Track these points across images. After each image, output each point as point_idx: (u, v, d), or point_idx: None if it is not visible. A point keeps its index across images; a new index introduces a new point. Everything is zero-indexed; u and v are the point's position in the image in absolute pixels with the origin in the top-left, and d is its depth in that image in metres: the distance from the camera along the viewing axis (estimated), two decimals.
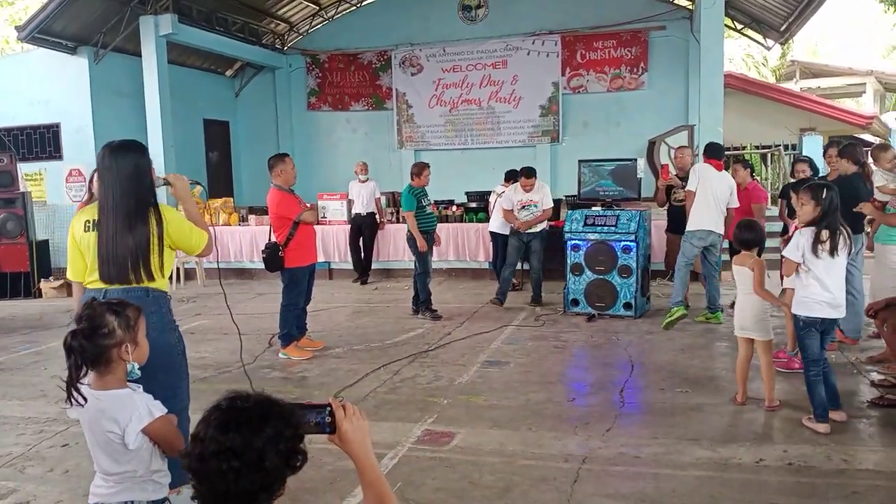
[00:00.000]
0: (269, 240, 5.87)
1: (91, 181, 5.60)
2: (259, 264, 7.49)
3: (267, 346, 6.32)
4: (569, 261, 7.21)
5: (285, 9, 13.72)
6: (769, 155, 13.64)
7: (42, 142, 11.51)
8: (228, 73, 14.61)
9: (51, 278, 10.08)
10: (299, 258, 5.82)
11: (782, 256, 4.96)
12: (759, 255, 4.38)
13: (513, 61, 13.05)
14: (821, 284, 3.84)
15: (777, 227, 8.30)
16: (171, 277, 3.06)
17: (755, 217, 6.09)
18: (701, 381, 4.96)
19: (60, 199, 11.33)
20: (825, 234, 3.79)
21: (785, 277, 3.91)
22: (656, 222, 8.00)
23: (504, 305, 7.70)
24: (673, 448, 3.74)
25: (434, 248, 7.67)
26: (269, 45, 14.09)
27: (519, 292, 8.64)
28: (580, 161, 7.79)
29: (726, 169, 7.19)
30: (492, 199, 9.05)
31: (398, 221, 10.03)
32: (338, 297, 8.95)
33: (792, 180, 6.96)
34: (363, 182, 10.02)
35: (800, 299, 3.92)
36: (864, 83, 19.79)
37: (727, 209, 6.49)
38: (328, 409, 1.49)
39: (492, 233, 8.87)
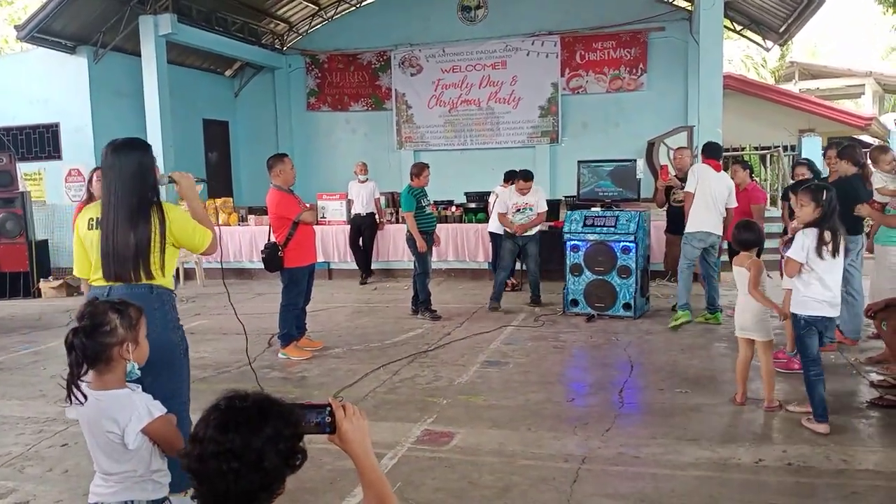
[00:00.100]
0: (269, 240, 5.87)
1: (90, 181, 5.63)
2: (258, 264, 7.49)
3: (266, 346, 6.32)
4: (568, 261, 7.21)
5: (285, 9, 13.73)
6: (768, 156, 13.64)
7: (41, 141, 11.51)
8: (228, 73, 14.61)
9: (50, 278, 10.07)
10: (299, 258, 5.82)
11: (782, 257, 4.97)
12: (758, 255, 4.39)
13: (512, 62, 13.06)
14: (822, 284, 3.88)
15: (776, 228, 8.31)
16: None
17: (754, 218, 6.10)
18: (700, 381, 4.96)
19: (60, 198, 11.33)
20: (828, 234, 3.83)
21: (788, 277, 3.92)
22: (655, 223, 8.00)
23: (502, 307, 7.68)
24: (672, 448, 3.74)
25: (433, 248, 7.67)
26: (268, 45, 14.09)
27: (518, 293, 8.65)
28: (579, 162, 7.79)
29: (725, 170, 7.20)
30: (491, 199, 9.05)
31: (397, 222, 10.04)
32: (337, 297, 8.95)
33: (792, 182, 6.97)
34: (363, 182, 10.03)
35: (801, 299, 3.94)
36: (863, 84, 19.80)
37: (726, 209, 6.50)
38: (328, 408, 1.49)
39: (491, 233, 8.86)
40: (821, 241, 3.82)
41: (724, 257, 6.80)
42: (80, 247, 2.99)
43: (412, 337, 6.57)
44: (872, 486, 3.25)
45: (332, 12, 14.07)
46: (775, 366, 4.62)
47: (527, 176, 7.71)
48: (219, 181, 13.85)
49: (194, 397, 3.08)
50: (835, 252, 3.85)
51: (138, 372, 2.17)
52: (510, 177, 8.62)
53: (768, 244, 5.46)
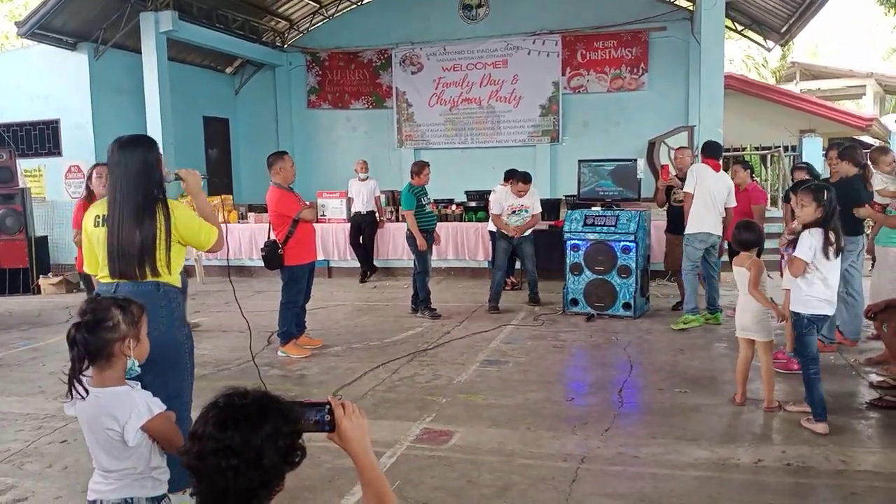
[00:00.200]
0: (269, 238, 5.87)
1: (89, 177, 5.63)
2: (258, 262, 7.48)
3: (266, 343, 6.32)
4: (568, 261, 7.21)
5: (286, 6, 13.72)
6: (769, 156, 13.63)
7: (41, 138, 11.51)
8: (228, 70, 14.60)
9: (49, 275, 10.06)
10: (299, 256, 5.82)
11: (782, 257, 4.97)
12: (758, 255, 4.39)
13: (513, 61, 13.05)
14: (825, 283, 3.94)
15: (777, 228, 8.30)
16: None
17: (755, 218, 6.09)
18: (700, 381, 4.96)
19: (59, 195, 11.32)
20: (832, 235, 3.88)
21: (793, 277, 3.94)
22: (656, 223, 8.00)
23: (501, 306, 7.65)
24: (671, 448, 3.74)
25: (433, 247, 7.66)
26: (269, 42, 14.08)
27: (518, 291, 8.64)
28: (580, 161, 7.79)
29: (726, 170, 7.18)
30: (491, 198, 9.03)
31: (398, 220, 10.03)
32: (337, 295, 8.95)
33: (792, 185, 6.96)
34: (363, 180, 10.02)
35: (805, 298, 3.96)
36: (864, 85, 19.79)
37: (725, 209, 6.49)
38: (327, 407, 1.48)
39: (491, 232, 8.84)
40: (826, 242, 3.86)
41: (725, 257, 6.79)
42: (89, 244, 2.99)
43: (412, 335, 6.56)
44: (871, 487, 3.25)
45: (333, 10, 14.06)
46: (775, 366, 4.63)
47: (526, 179, 7.64)
48: (219, 178, 13.84)
49: (194, 395, 3.08)
50: (838, 252, 3.90)
51: (138, 369, 2.16)
52: (510, 176, 8.60)
53: (768, 244, 5.46)
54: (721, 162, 6.77)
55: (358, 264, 10.15)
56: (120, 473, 2.09)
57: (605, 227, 7.04)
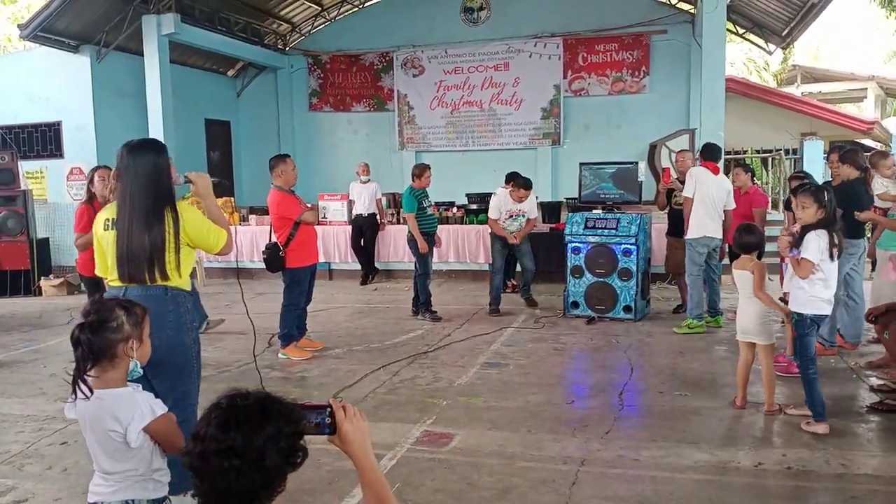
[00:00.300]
0: (270, 240, 5.88)
1: (91, 180, 5.63)
2: (259, 264, 7.48)
3: (267, 345, 6.32)
4: (569, 263, 7.21)
5: (287, 9, 13.74)
6: (770, 159, 13.63)
7: (43, 140, 11.52)
8: (230, 73, 14.62)
9: (51, 276, 10.07)
10: (300, 258, 5.82)
11: (782, 259, 4.97)
12: (758, 259, 4.39)
13: (514, 63, 13.05)
14: (825, 284, 3.97)
15: (778, 231, 8.26)
16: None
17: (756, 221, 6.10)
18: (700, 384, 4.96)
19: (61, 197, 11.34)
20: (836, 236, 3.93)
21: (801, 278, 3.95)
22: (657, 226, 8.00)
23: (501, 310, 7.65)
24: (672, 451, 3.74)
25: (434, 249, 7.66)
26: (271, 45, 14.10)
27: (519, 293, 8.63)
28: (581, 164, 7.80)
29: (727, 173, 7.18)
30: (492, 201, 9.03)
31: (399, 222, 10.04)
32: (338, 297, 8.96)
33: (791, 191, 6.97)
34: (364, 183, 10.03)
35: (808, 299, 3.99)
36: (866, 88, 19.79)
37: (724, 211, 6.48)
38: (328, 409, 1.49)
39: (492, 234, 8.85)
40: (831, 243, 3.90)
41: (725, 260, 6.79)
42: (99, 247, 3.00)
43: (412, 338, 6.57)
44: (871, 491, 3.25)
45: (335, 13, 14.08)
46: (776, 370, 4.63)
47: (528, 186, 7.62)
48: (222, 181, 13.84)
49: None
50: (839, 253, 3.95)
51: (140, 371, 2.17)
52: (511, 178, 8.61)
53: (768, 247, 5.45)
54: (720, 165, 6.77)
55: (359, 266, 10.16)
56: (121, 475, 2.09)
57: (606, 230, 7.04)
